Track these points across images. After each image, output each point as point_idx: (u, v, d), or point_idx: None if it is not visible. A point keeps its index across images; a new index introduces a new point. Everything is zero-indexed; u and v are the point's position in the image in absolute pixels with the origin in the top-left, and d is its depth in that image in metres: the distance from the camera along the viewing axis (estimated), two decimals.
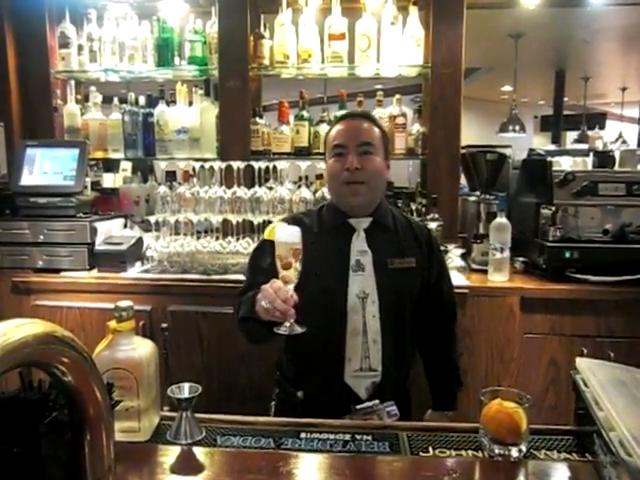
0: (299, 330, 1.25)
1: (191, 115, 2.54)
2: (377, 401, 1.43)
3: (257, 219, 2.22)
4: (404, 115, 2.49)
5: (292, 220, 1.55)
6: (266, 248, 1.46)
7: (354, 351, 1.46)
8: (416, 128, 2.51)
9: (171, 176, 2.34)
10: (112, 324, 1.07)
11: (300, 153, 2.50)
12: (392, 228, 1.56)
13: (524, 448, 1.03)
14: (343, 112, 2.39)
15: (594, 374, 1.05)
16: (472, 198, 2.59)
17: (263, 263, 1.49)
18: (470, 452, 1.06)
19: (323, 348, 1.46)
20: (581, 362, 1.12)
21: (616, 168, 2.27)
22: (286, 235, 1.29)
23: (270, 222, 2.07)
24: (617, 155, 2.31)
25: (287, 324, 1.25)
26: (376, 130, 1.53)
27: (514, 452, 1.02)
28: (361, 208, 1.52)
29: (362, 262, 1.48)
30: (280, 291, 1.23)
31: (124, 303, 1.08)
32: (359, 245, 1.50)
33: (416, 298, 1.55)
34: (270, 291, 1.24)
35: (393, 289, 1.49)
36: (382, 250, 1.50)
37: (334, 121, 1.64)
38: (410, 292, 1.53)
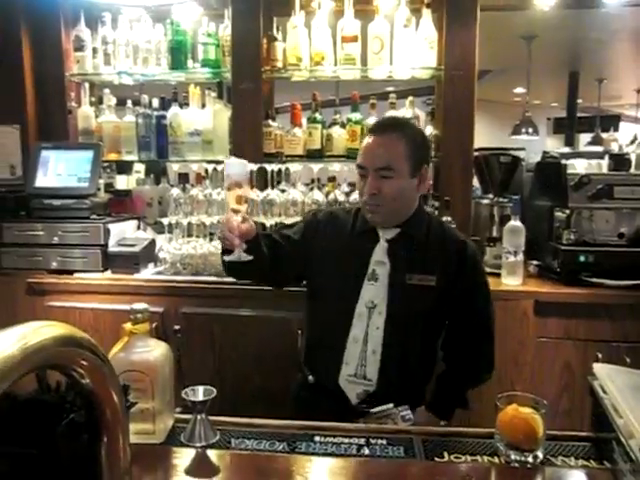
0: (245, 258, 1.35)
1: (204, 117, 2.55)
2: (391, 405, 1.42)
3: (269, 221, 2.22)
4: (417, 117, 2.47)
5: (331, 214, 1.63)
6: (305, 225, 1.62)
7: (352, 357, 1.48)
8: (429, 130, 2.49)
9: (184, 178, 2.35)
10: (128, 326, 1.08)
11: (312, 155, 2.50)
12: (421, 241, 1.52)
13: (541, 454, 1.02)
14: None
15: (612, 380, 1.04)
16: (485, 201, 2.57)
17: (290, 232, 1.60)
18: (486, 458, 1.05)
19: (327, 346, 1.53)
20: (599, 368, 1.11)
21: (632, 171, 2.24)
22: (232, 167, 1.40)
23: (282, 224, 2.07)
24: (633, 158, 2.28)
25: (235, 252, 1.36)
26: (401, 145, 1.45)
27: (530, 458, 1.01)
28: (381, 224, 1.52)
29: (377, 272, 1.49)
30: (228, 222, 1.35)
31: (140, 305, 1.08)
32: (379, 255, 1.50)
33: (435, 317, 1.53)
34: (222, 221, 1.40)
35: (405, 305, 1.47)
36: (402, 263, 1.49)
37: (367, 130, 1.66)
38: (424, 311, 1.50)
